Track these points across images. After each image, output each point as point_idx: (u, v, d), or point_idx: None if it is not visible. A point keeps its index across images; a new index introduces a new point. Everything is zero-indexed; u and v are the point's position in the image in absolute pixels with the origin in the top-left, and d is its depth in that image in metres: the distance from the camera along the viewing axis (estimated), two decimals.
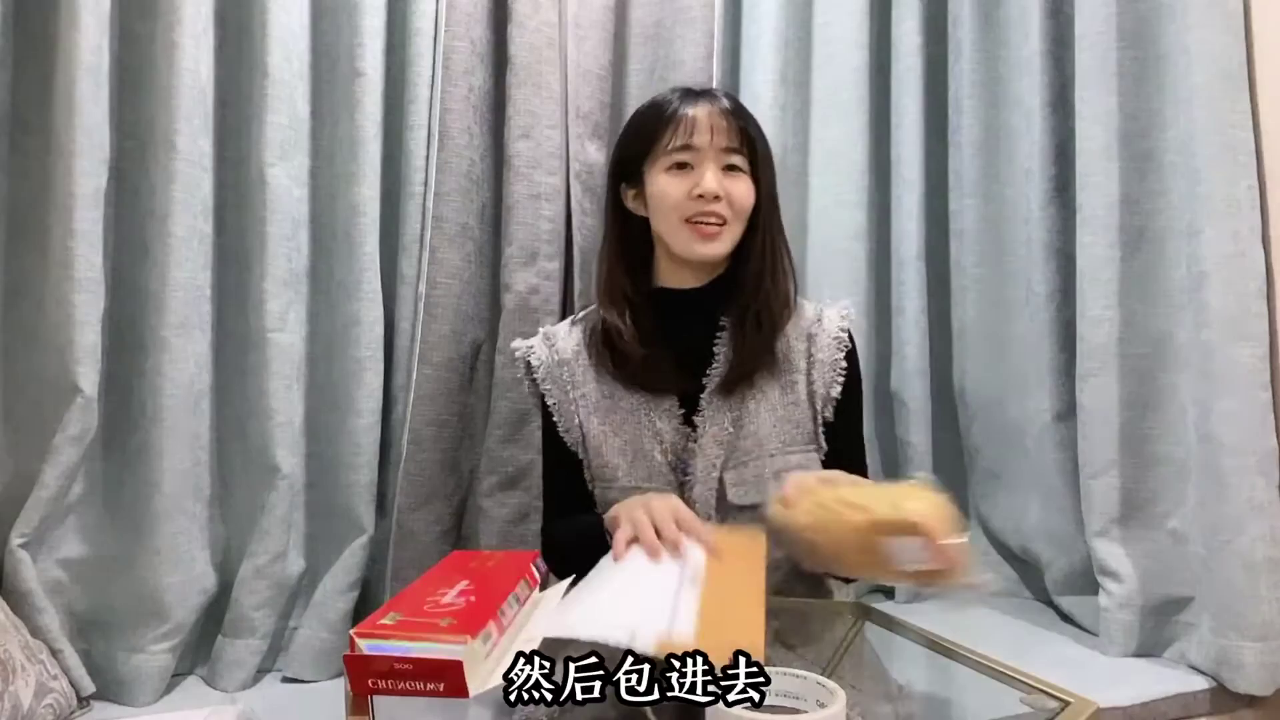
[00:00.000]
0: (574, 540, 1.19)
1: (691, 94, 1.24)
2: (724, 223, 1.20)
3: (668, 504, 1.03)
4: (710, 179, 1.18)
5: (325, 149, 1.46)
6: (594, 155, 1.62)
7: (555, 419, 1.27)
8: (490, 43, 1.58)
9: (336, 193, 1.45)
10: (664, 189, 1.21)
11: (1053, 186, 1.57)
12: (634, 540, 1.00)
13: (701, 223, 1.20)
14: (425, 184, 1.49)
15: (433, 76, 1.49)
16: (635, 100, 1.70)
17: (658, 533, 0.99)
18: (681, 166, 1.20)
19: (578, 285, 1.60)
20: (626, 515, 1.03)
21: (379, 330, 1.45)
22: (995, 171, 1.73)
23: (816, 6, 1.76)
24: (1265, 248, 1.34)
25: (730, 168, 1.21)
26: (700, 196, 1.18)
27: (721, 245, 1.22)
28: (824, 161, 1.75)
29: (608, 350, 1.24)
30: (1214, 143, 1.33)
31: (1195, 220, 1.35)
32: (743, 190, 1.21)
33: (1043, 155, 1.57)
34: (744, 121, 1.23)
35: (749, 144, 1.21)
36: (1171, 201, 1.43)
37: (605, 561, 0.99)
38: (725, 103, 1.23)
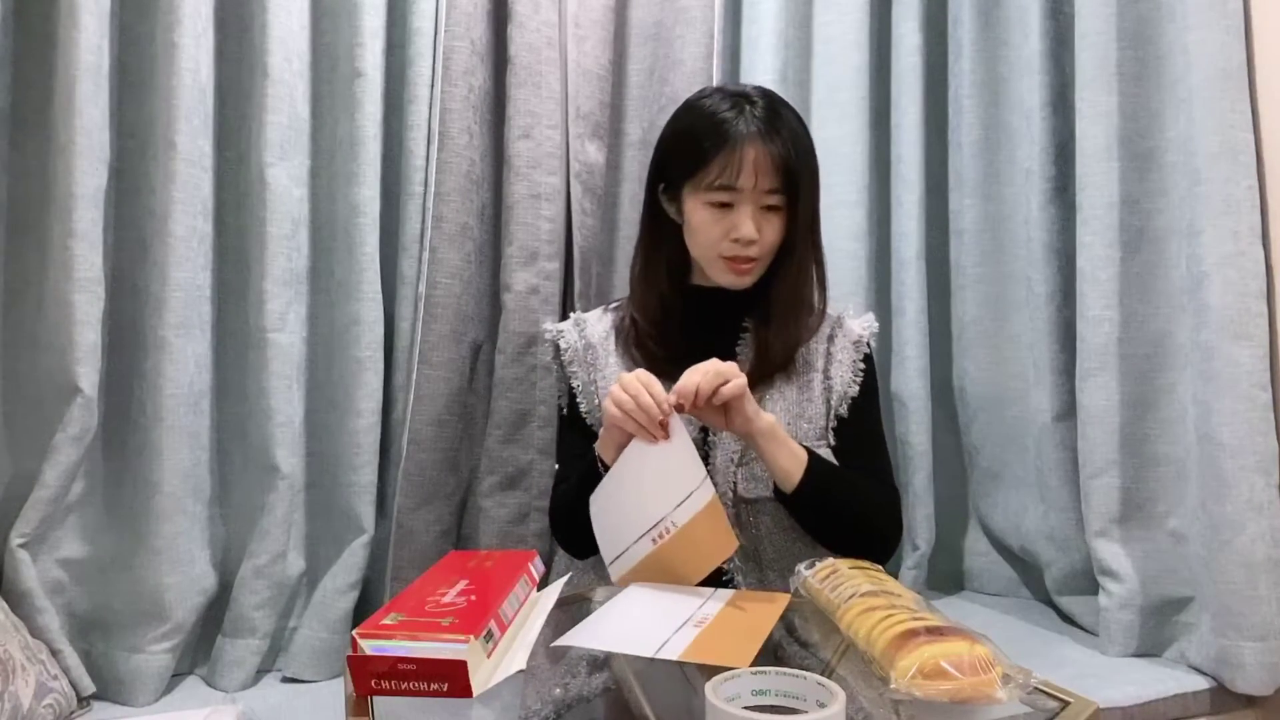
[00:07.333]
0: (576, 486, 1.23)
1: (743, 116, 1.21)
2: (756, 258, 1.24)
3: (634, 386, 1.09)
4: (748, 226, 1.21)
5: (325, 149, 1.46)
6: (594, 155, 1.62)
7: (579, 400, 1.33)
8: (490, 43, 1.58)
9: (336, 193, 1.45)
10: (702, 224, 1.24)
11: (1053, 186, 1.57)
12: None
13: (735, 259, 1.24)
14: (425, 184, 1.49)
15: (433, 76, 1.49)
16: (635, 100, 1.70)
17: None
18: (721, 205, 1.22)
19: (578, 285, 1.61)
20: (606, 421, 1.13)
21: (379, 330, 1.45)
22: (995, 171, 1.73)
23: (816, 6, 1.77)
24: (1265, 248, 1.34)
25: (768, 207, 1.22)
26: (736, 240, 1.22)
27: (750, 279, 1.27)
28: (824, 161, 1.73)
29: (634, 338, 1.30)
30: (1214, 143, 1.32)
31: (1195, 220, 1.35)
32: (774, 231, 1.24)
33: (1043, 155, 1.57)
34: (790, 152, 1.20)
35: (791, 181, 1.21)
36: (1171, 201, 1.43)
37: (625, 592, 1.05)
38: (775, 135, 1.20)
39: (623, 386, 1.10)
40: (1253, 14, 1.36)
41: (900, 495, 1.38)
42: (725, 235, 1.23)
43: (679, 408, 1.11)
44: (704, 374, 1.11)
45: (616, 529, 1.12)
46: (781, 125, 1.22)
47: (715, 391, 1.11)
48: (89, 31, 1.22)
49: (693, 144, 1.24)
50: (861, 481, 1.27)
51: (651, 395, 1.08)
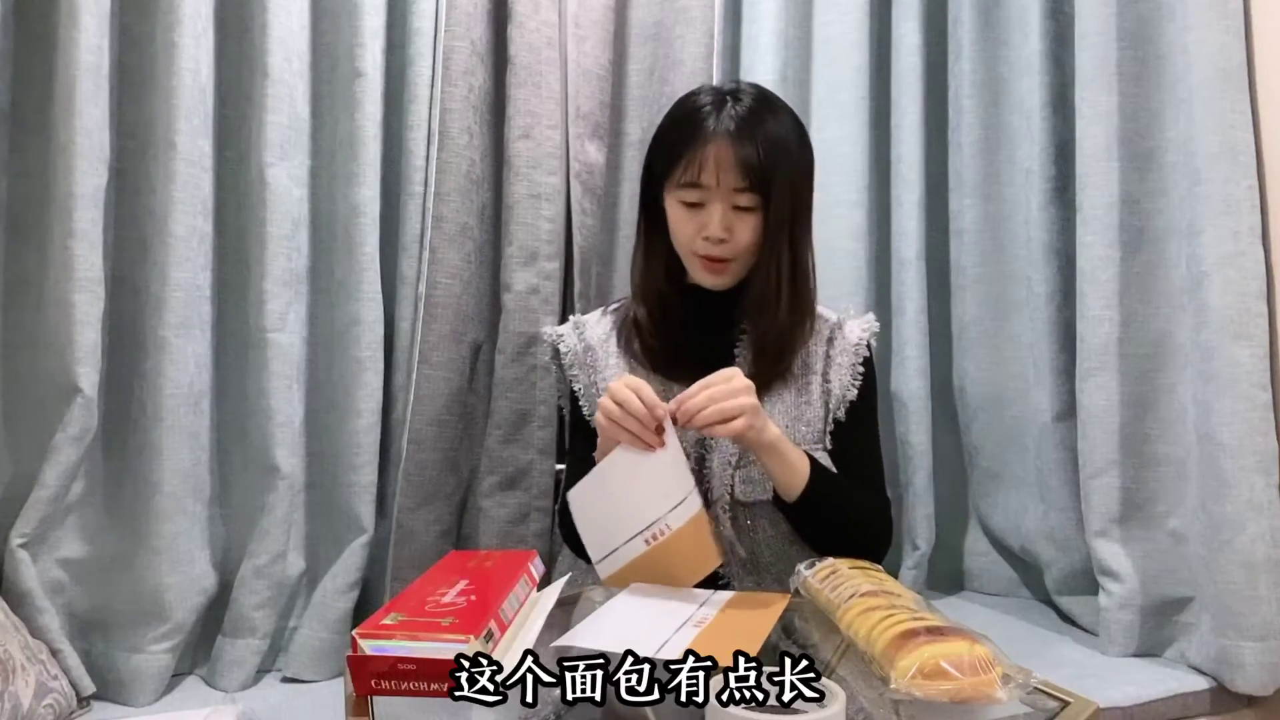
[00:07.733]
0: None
1: (716, 113, 1.21)
2: (729, 258, 1.23)
3: (622, 394, 1.08)
4: (715, 224, 1.21)
5: (325, 149, 1.46)
6: (594, 155, 1.62)
7: (581, 402, 1.33)
8: (490, 43, 1.58)
9: (336, 193, 1.45)
10: (677, 221, 1.25)
11: (1053, 186, 1.57)
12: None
13: (707, 258, 1.24)
14: (425, 184, 1.49)
15: (433, 76, 1.48)
16: (635, 100, 1.70)
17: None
18: (692, 204, 1.22)
19: (578, 285, 1.61)
20: (600, 432, 1.12)
21: (379, 330, 1.45)
22: (995, 171, 1.73)
23: (816, 6, 1.77)
24: (1265, 248, 1.34)
25: (741, 207, 1.21)
26: (707, 239, 1.22)
27: (727, 279, 1.27)
28: (824, 161, 1.74)
29: (635, 340, 1.30)
30: (1214, 142, 1.32)
31: (1195, 220, 1.35)
32: (746, 231, 1.22)
33: (1043, 155, 1.57)
34: (758, 152, 1.18)
35: (759, 180, 1.19)
36: (1171, 201, 1.43)
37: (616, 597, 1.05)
38: (746, 134, 1.19)
39: (611, 394, 1.09)
40: (1253, 14, 1.36)
41: (892, 500, 1.38)
42: (697, 233, 1.22)
43: (674, 419, 1.10)
44: (709, 399, 1.08)
45: (605, 527, 1.12)
46: (757, 124, 1.20)
47: (711, 425, 1.09)
48: (89, 31, 1.22)
49: (668, 141, 1.25)
50: (858, 490, 1.27)
51: (642, 401, 1.07)
